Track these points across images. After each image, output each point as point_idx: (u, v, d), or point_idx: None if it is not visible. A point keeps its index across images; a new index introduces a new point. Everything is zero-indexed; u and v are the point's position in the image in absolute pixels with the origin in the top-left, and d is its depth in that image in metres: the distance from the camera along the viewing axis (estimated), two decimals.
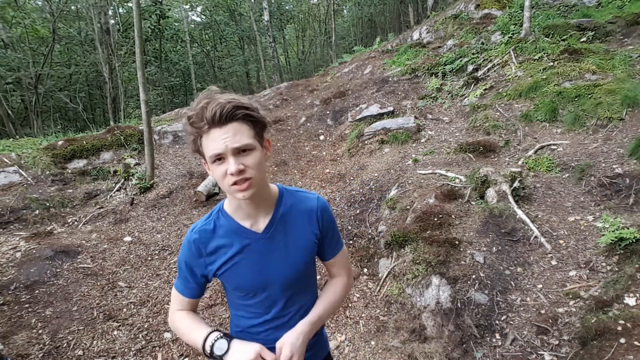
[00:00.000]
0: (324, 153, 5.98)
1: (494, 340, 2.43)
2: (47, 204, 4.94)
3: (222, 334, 1.09)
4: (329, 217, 1.20)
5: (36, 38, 13.24)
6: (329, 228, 1.20)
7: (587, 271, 2.62)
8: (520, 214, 3.14)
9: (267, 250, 1.11)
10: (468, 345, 2.44)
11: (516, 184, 3.36)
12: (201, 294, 1.21)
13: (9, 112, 11.31)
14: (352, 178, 4.88)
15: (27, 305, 3.12)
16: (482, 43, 6.74)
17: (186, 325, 1.16)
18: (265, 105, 8.54)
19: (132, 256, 3.96)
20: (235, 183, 0.96)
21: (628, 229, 2.62)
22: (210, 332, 1.09)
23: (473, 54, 6.58)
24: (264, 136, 1.04)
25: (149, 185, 5.44)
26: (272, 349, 1.08)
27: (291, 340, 1.08)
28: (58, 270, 3.60)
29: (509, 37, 6.38)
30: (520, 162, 3.87)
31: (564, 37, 5.82)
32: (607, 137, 3.81)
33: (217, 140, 0.94)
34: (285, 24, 20.27)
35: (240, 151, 0.95)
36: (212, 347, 1.06)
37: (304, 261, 1.16)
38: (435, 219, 3.27)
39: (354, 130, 5.93)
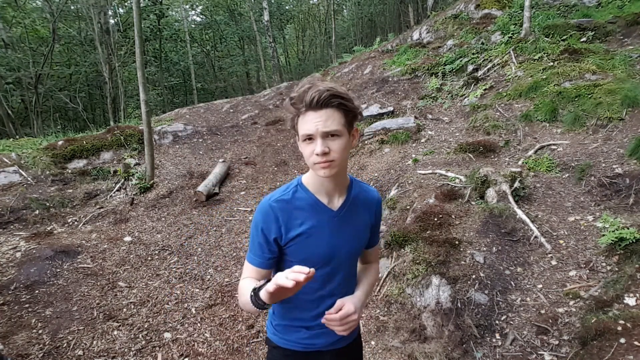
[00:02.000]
0: None
1: (494, 340, 2.43)
2: (47, 204, 4.94)
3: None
4: (381, 212, 1.37)
5: (36, 38, 13.23)
6: (378, 221, 1.36)
7: (587, 271, 2.62)
8: (520, 214, 3.14)
9: (339, 226, 1.20)
10: (468, 345, 2.44)
11: (516, 184, 3.36)
12: (271, 266, 1.21)
13: (9, 112, 11.31)
14: None
15: (27, 305, 3.12)
16: (482, 43, 6.74)
17: (245, 286, 1.14)
18: (265, 106, 8.54)
19: (132, 256, 3.96)
20: (317, 162, 1.06)
21: (628, 229, 2.62)
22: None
23: (473, 54, 6.58)
24: (354, 125, 1.13)
25: (149, 185, 5.44)
26: (321, 326, 1.20)
27: (353, 300, 1.20)
28: (58, 270, 3.60)
29: (509, 37, 6.38)
30: (520, 162, 3.87)
31: (564, 37, 5.82)
32: (607, 137, 3.81)
33: (310, 122, 1.03)
34: (285, 24, 20.26)
35: (328, 135, 1.04)
36: (254, 291, 1.05)
37: (363, 241, 1.29)
38: (435, 219, 3.27)
39: None
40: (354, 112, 1.09)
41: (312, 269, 0.91)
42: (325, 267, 1.21)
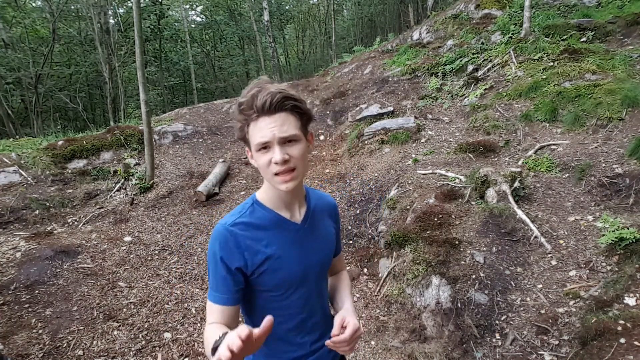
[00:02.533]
0: (324, 153, 5.98)
1: (494, 340, 2.43)
2: (47, 204, 4.94)
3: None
4: (339, 216, 1.30)
5: (36, 38, 13.23)
6: (338, 227, 1.29)
7: (587, 271, 2.62)
8: (520, 214, 3.14)
9: (307, 239, 1.12)
10: (468, 345, 2.44)
11: (516, 184, 3.36)
12: (238, 300, 1.06)
13: (9, 112, 11.31)
14: (352, 178, 4.88)
15: (27, 305, 3.12)
16: (482, 43, 6.74)
17: (208, 340, 0.96)
18: None
19: (132, 256, 3.96)
20: (277, 173, 0.97)
21: (628, 229, 2.62)
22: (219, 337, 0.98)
23: (473, 54, 6.58)
24: (308, 129, 1.05)
25: (149, 185, 5.44)
26: (312, 352, 1.15)
27: (351, 313, 1.12)
28: (58, 270, 3.60)
29: (509, 37, 6.38)
30: (520, 162, 3.87)
31: (564, 37, 5.82)
32: (607, 137, 3.81)
33: (265, 128, 0.95)
34: (285, 24, 20.26)
35: (286, 141, 0.96)
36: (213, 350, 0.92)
37: (332, 250, 1.22)
38: (435, 219, 3.27)
39: (354, 130, 5.93)
40: (308, 114, 1.02)
41: (268, 320, 0.78)
42: (300, 288, 1.11)
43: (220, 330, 0.95)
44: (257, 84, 0.98)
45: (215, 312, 1.04)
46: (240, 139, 1.03)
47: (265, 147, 0.96)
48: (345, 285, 1.32)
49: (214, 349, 0.87)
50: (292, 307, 1.11)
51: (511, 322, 2.49)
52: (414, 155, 4.68)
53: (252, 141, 0.98)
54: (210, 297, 1.06)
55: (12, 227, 4.51)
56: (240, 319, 1.12)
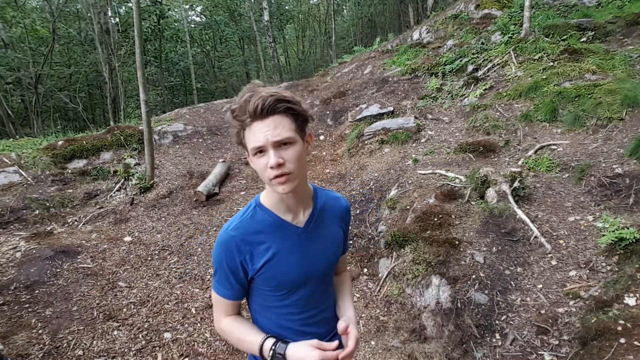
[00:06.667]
0: (324, 153, 5.98)
1: (494, 340, 2.43)
2: (47, 204, 4.94)
3: (278, 339, 1.08)
4: (350, 218, 1.30)
5: (36, 38, 13.23)
6: (348, 227, 1.28)
7: (587, 271, 2.62)
8: (520, 214, 3.14)
9: (309, 243, 1.12)
10: (468, 345, 2.44)
11: (516, 184, 3.36)
12: (243, 296, 1.15)
13: (9, 112, 11.31)
14: (352, 178, 4.88)
15: (27, 305, 3.12)
16: (482, 43, 6.74)
17: (239, 331, 1.12)
18: None
19: (132, 256, 3.96)
20: (274, 177, 0.96)
21: (628, 229, 2.62)
22: (266, 338, 1.08)
23: (473, 54, 6.58)
24: (306, 130, 1.04)
25: (149, 185, 5.44)
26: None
27: (352, 321, 1.15)
28: (58, 270, 3.60)
29: (509, 37, 6.38)
30: (520, 162, 3.87)
31: (564, 37, 5.82)
32: (607, 137, 3.81)
33: (258, 133, 0.94)
34: (285, 24, 20.26)
35: (280, 144, 0.95)
36: (273, 350, 1.05)
37: (337, 254, 1.21)
38: (435, 219, 3.27)
39: (354, 130, 5.93)
40: (304, 115, 1.00)
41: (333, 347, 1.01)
42: (300, 290, 1.12)
43: (248, 329, 1.11)
44: (250, 89, 0.97)
45: (222, 304, 1.13)
46: (238, 144, 1.03)
47: (260, 151, 0.96)
48: (347, 290, 1.32)
49: (278, 351, 1.03)
50: (293, 306, 1.13)
51: (511, 322, 2.49)
52: (414, 155, 4.68)
53: (247, 146, 0.98)
54: (215, 289, 1.13)
55: (12, 227, 4.51)
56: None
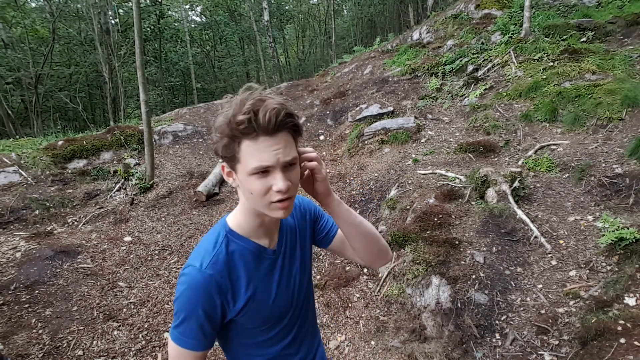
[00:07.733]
0: (324, 153, 5.98)
1: (494, 340, 2.43)
2: (47, 204, 4.94)
3: None
4: (309, 204, 1.15)
5: (36, 38, 13.24)
6: (316, 211, 1.15)
7: (587, 271, 2.62)
8: (520, 214, 3.14)
9: (287, 265, 1.03)
10: (468, 345, 2.44)
11: (516, 184, 3.36)
12: (213, 342, 0.98)
13: (9, 112, 11.32)
14: (352, 178, 4.88)
15: (27, 305, 3.12)
16: (482, 43, 6.74)
17: None
18: None
19: (132, 256, 3.96)
20: (276, 201, 0.84)
21: (628, 229, 2.62)
22: None
23: (473, 54, 6.58)
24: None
25: (149, 185, 5.44)
26: None
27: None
28: (58, 270, 3.60)
29: (509, 37, 6.38)
30: (520, 162, 3.87)
31: (564, 37, 5.82)
32: (607, 137, 3.81)
33: (267, 151, 0.80)
34: (285, 24, 20.28)
35: (288, 165, 0.84)
36: None
37: (310, 267, 1.13)
38: (435, 219, 3.27)
39: (354, 130, 5.93)
40: (301, 131, 0.88)
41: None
42: (284, 318, 1.02)
43: None
44: (254, 96, 0.80)
45: (184, 357, 0.92)
46: (222, 156, 0.85)
47: (264, 171, 0.82)
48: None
49: None
50: (276, 337, 1.05)
51: (511, 322, 2.49)
52: (414, 155, 4.68)
53: (246, 163, 0.82)
54: (180, 342, 0.91)
55: (12, 227, 4.51)
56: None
